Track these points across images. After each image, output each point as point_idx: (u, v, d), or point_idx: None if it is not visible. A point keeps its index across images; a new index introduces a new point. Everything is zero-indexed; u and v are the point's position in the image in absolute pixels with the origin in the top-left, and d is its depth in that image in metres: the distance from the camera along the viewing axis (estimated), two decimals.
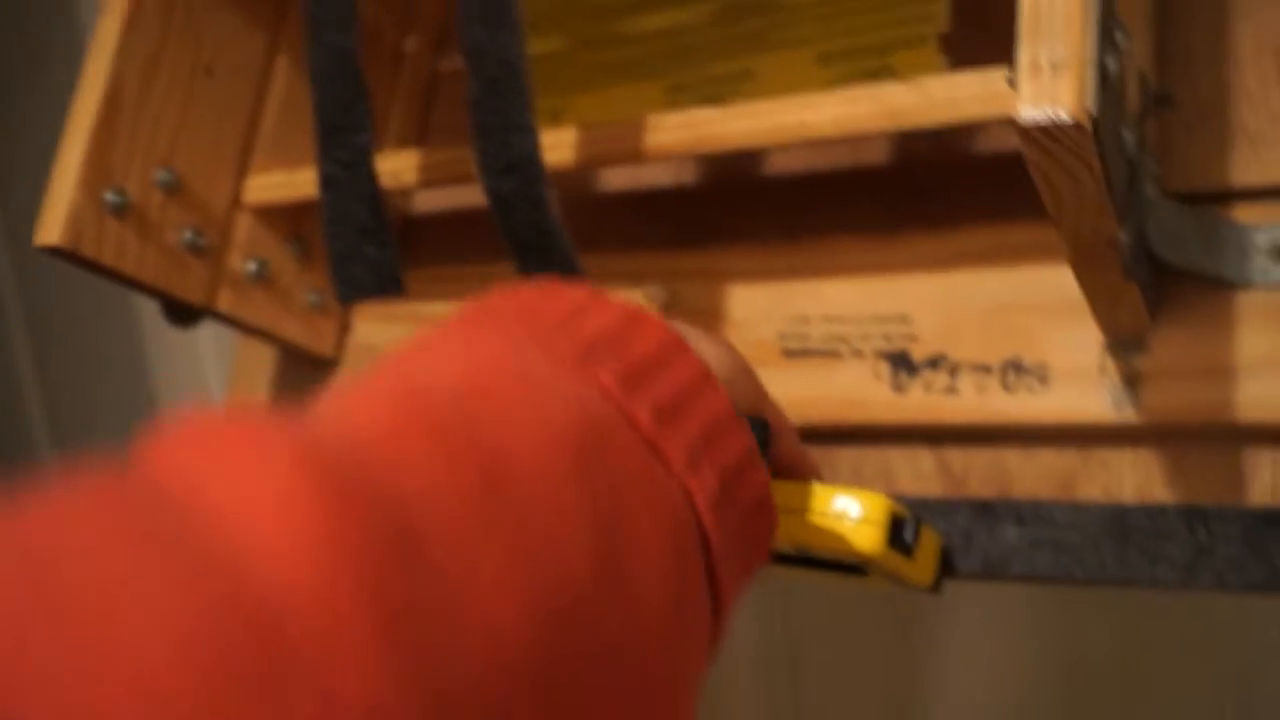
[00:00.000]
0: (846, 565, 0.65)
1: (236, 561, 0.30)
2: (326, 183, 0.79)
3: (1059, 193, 0.54)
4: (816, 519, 0.63)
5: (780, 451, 0.64)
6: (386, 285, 0.80)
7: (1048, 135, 0.50)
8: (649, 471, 0.47)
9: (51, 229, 0.80)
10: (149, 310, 1.52)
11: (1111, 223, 0.56)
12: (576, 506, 0.41)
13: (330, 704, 0.29)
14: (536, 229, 0.73)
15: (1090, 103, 0.49)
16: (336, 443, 0.37)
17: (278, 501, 0.33)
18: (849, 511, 0.63)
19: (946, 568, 0.73)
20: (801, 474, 0.66)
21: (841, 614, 2.45)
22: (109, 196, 0.83)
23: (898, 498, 0.67)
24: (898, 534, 0.64)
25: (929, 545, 0.69)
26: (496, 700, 0.35)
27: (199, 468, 0.35)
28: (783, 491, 0.62)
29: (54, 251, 0.81)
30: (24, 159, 1.92)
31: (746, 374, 0.62)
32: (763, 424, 0.59)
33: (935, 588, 0.72)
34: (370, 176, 0.78)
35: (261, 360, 1.09)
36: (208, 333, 1.45)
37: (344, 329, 1.04)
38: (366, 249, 0.79)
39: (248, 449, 0.35)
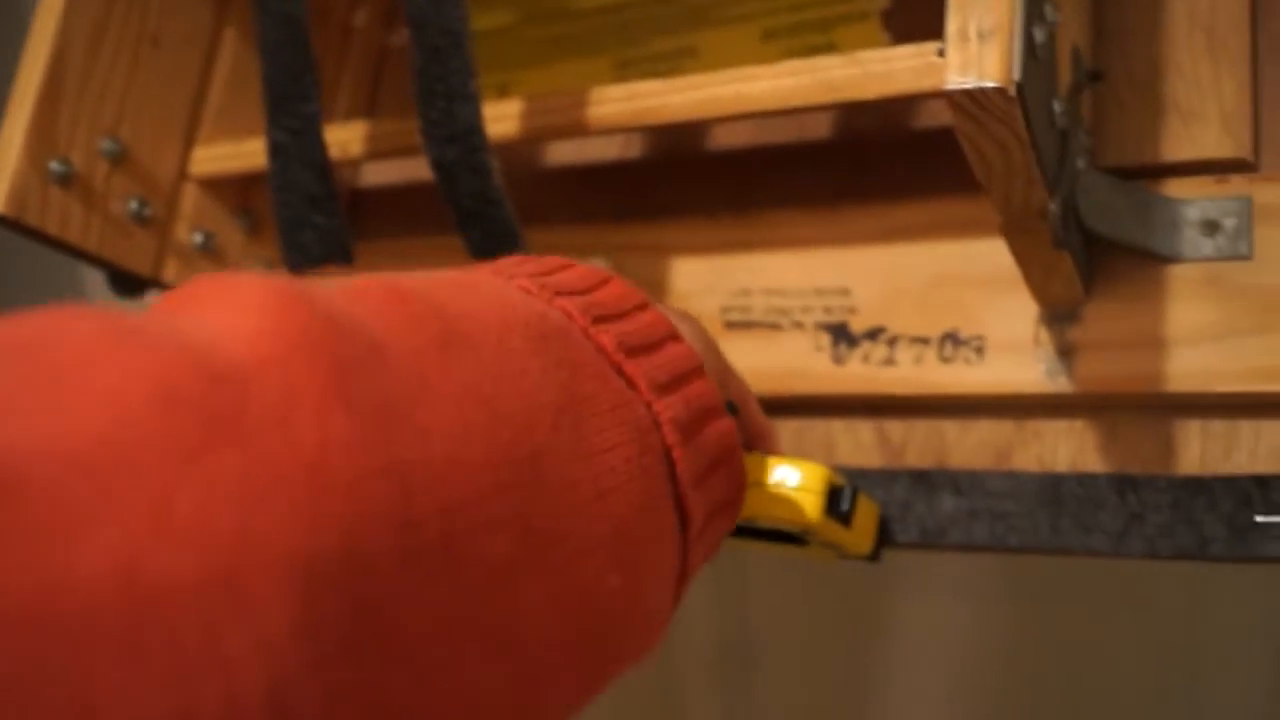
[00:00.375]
0: (787, 535, 0.67)
1: (209, 341, 0.32)
2: (275, 151, 0.79)
3: (988, 162, 0.55)
4: (754, 488, 0.64)
5: (742, 424, 0.64)
6: (335, 254, 0.81)
7: (975, 103, 0.51)
8: (613, 383, 0.48)
9: None
10: (93, 281, 1.52)
11: (1041, 193, 0.57)
12: (538, 372, 0.43)
13: (294, 448, 0.31)
14: (479, 197, 0.74)
15: (1016, 71, 0.50)
16: (308, 289, 0.38)
17: (247, 307, 0.35)
18: (787, 480, 0.64)
19: (885, 537, 0.75)
20: (762, 447, 0.67)
21: (797, 603, 2.46)
22: (54, 166, 0.82)
23: (837, 468, 0.69)
24: (834, 503, 0.65)
25: (866, 515, 0.70)
26: (457, 505, 0.36)
27: (180, 298, 0.37)
28: None
29: None
30: None
31: (712, 349, 0.62)
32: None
33: (874, 556, 0.73)
34: (319, 145, 0.79)
35: None
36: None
37: None
38: (315, 217, 0.79)
39: (225, 284, 0.37)
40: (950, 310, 0.76)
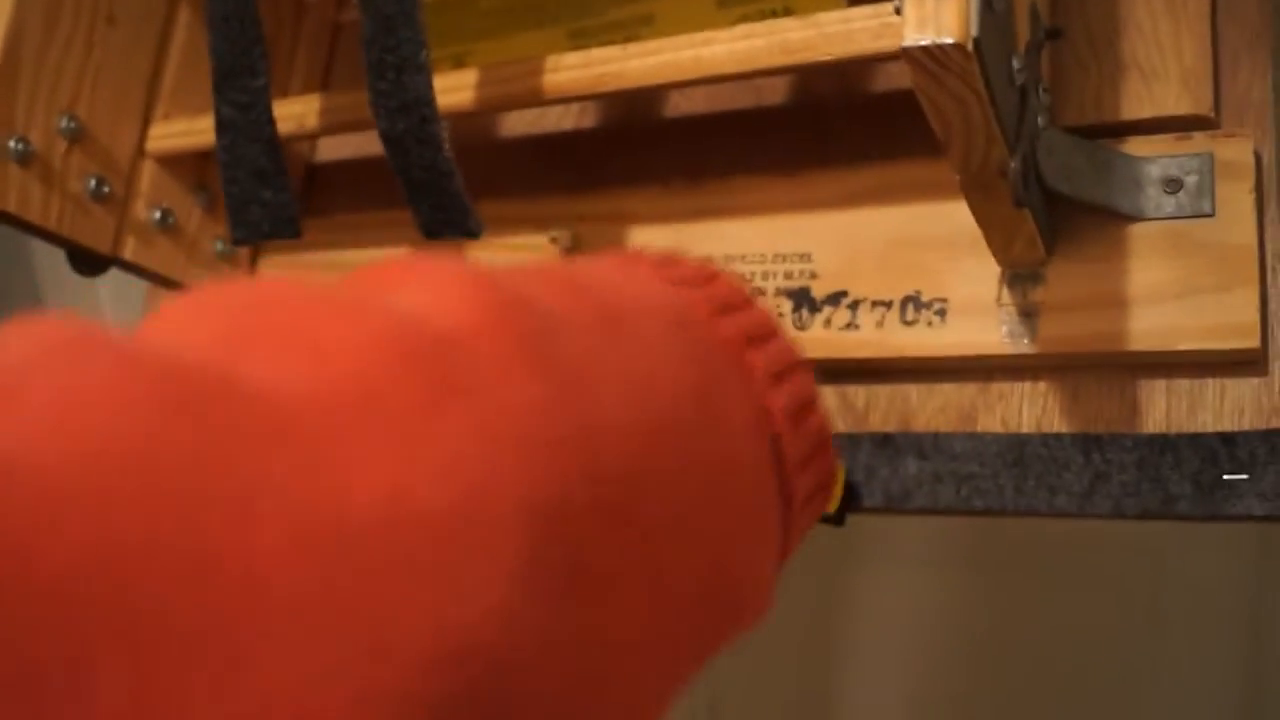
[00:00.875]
0: None
1: (418, 312, 0.36)
2: (223, 126, 0.79)
3: (947, 120, 0.55)
4: None
5: None
6: (281, 228, 0.80)
7: (933, 59, 0.51)
8: (735, 371, 0.50)
9: None
10: (46, 261, 1.51)
11: (1001, 150, 0.57)
12: (679, 356, 0.46)
13: (508, 407, 0.35)
14: (430, 169, 0.73)
15: (974, 26, 0.50)
16: (489, 271, 0.41)
17: (443, 286, 0.38)
18: None
19: (851, 501, 0.76)
20: None
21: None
22: (12, 144, 0.82)
23: None
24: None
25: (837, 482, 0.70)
26: (626, 468, 0.39)
27: (372, 279, 0.41)
28: None
29: None
30: None
31: None
32: None
33: (838, 520, 0.73)
34: (267, 119, 0.78)
35: None
36: (108, 286, 1.44)
37: (253, 277, 1.03)
38: (263, 192, 0.79)
39: (417, 267, 0.40)
40: (912, 273, 0.75)
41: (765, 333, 0.54)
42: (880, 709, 2.40)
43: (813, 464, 0.56)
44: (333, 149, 1.04)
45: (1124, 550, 1.84)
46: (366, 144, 1.02)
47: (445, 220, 0.75)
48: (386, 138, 0.73)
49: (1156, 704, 2.07)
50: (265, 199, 0.79)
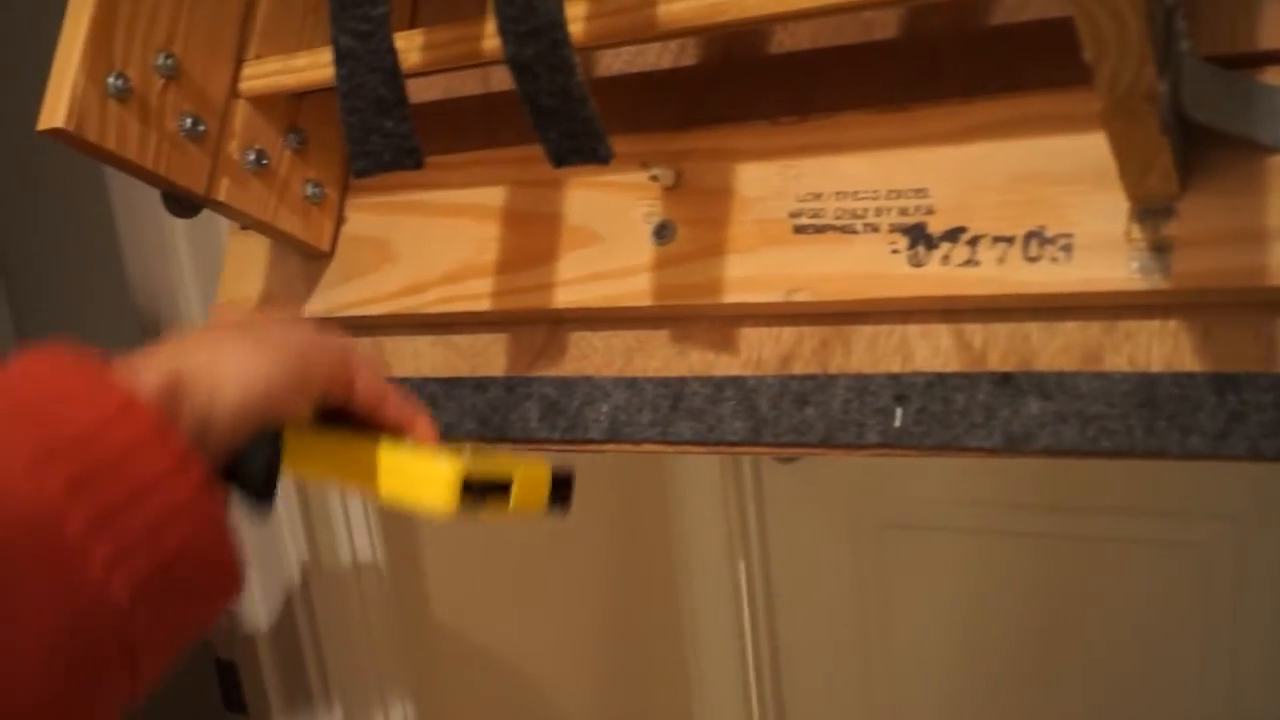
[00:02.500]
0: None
1: None
2: (341, 55, 0.77)
3: (1102, 35, 0.53)
4: (389, 477, 0.76)
5: (359, 408, 0.77)
6: (403, 158, 0.79)
7: None
8: (64, 573, 0.53)
9: (55, 112, 0.79)
10: (124, 209, 1.51)
11: (1150, 72, 0.55)
12: None
13: None
14: (561, 95, 0.72)
15: None
16: None
17: None
18: (419, 473, 0.74)
19: (565, 493, 0.80)
20: (412, 435, 0.78)
21: (813, 558, 2.47)
22: (111, 80, 0.81)
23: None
24: (470, 494, 0.73)
25: (531, 488, 0.77)
26: None
27: None
28: (354, 445, 0.77)
29: (57, 135, 0.79)
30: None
31: (298, 379, 0.71)
32: (270, 455, 0.69)
33: (554, 513, 0.80)
34: (388, 48, 0.77)
35: (252, 256, 1.07)
36: (183, 233, 1.44)
37: (339, 221, 1.02)
38: (384, 122, 0.78)
39: None
40: (1035, 208, 0.73)
41: (125, 496, 0.56)
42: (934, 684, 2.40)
43: (179, 609, 0.59)
44: (420, 90, 1.03)
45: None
46: (456, 84, 1.01)
47: (575, 148, 0.73)
48: (515, 63, 0.71)
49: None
50: (386, 129, 0.78)
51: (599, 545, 2.28)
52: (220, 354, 0.67)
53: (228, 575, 0.62)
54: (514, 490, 0.76)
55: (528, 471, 0.77)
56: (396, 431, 0.78)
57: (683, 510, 2.58)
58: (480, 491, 0.74)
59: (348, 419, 0.79)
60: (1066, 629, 2.28)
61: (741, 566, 2.60)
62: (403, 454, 0.76)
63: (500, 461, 0.76)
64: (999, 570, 2.33)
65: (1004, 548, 2.31)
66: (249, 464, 0.68)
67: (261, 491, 0.70)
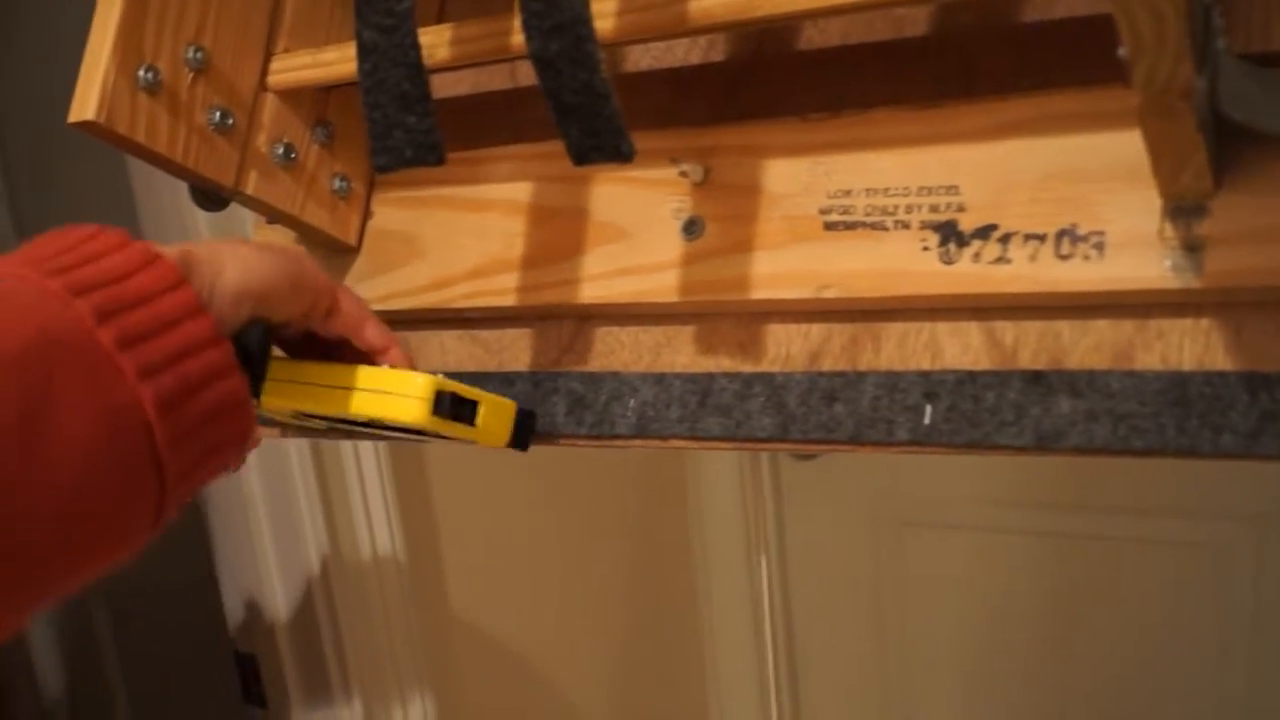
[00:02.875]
0: (421, 432, 0.84)
1: None
2: (365, 50, 0.77)
3: (1140, 31, 0.53)
4: (366, 396, 0.82)
5: (339, 329, 0.85)
6: (424, 154, 0.79)
7: None
8: (98, 378, 0.61)
9: (86, 105, 0.79)
10: (147, 203, 1.51)
11: (1188, 69, 0.55)
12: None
13: None
14: (584, 91, 0.71)
15: None
16: None
17: None
18: (395, 388, 0.82)
19: (527, 430, 0.90)
20: (383, 360, 0.87)
21: (830, 550, 2.47)
22: (141, 73, 0.82)
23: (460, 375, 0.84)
24: (439, 407, 0.81)
25: (497, 415, 0.87)
26: None
27: None
28: (333, 371, 0.84)
29: (88, 127, 0.80)
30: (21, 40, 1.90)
31: (293, 282, 0.79)
32: (263, 331, 0.76)
33: (516, 447, 0.89)
34: (412, 43, 0.77)
35: None
36: (206, 228, 1.44)
37: (366, 216, 1.02)
38: (406, 118, 0.77)
39: None
40: (1066, 206, 0.73)
41: (163, 324, 0.65)
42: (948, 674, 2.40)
43: (204, 431, 0.67)
44: (447, 85, 1.03)
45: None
46: (484, 79, 1.01)
47: (596, 145, 0.73)
48: (538, 59, 0.71)
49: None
50: (409, 124, 0.77)
51: (618, 541, 2.28)
52: (224, 249, 0.75)
53: (242, 415, 0.70)
54: (481, 411, 0.84)
55: (495, 404, 0.86)
56: (373, 357, 0.87)
57: (701, 507, 2.58)
58: (451, 407, 0.82)
59: (325, 353, 0.88)
60: (1084, 628, 2.28)
61: (760, 563, 2.60)
62: (380, 373, 0.83)
63: (472, 389, 0.84)
64: (1017, 569, 2.33)
65: (1022, 547, 2.31)
66: (240, 346, 0.73)
67: (251, 374, 0.74)
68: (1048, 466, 2.20)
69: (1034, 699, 2.37)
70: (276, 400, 0.86)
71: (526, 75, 0.97)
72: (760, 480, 2.56)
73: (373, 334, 0.86)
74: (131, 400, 0.62)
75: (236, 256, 0.75)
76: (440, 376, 0.82)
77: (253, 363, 0.74)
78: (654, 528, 2.48)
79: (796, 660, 2.68)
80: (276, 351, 0.89)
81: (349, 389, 0.83)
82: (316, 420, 0.93)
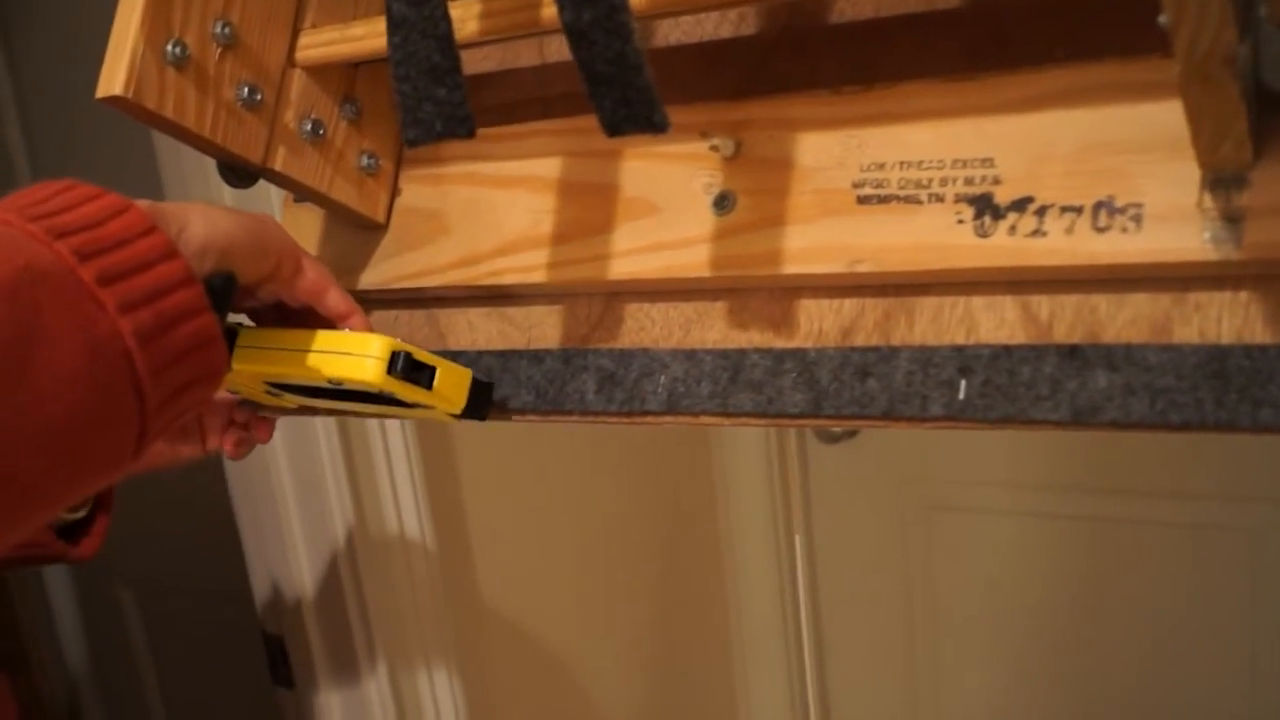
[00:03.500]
0: (385, 399, 0.88)
1: None
2: (395, 22, 0.77)
3: None
4: (335, 357, 0.84)
5: (302, 294, 0.89)
6: (455, 126, 0.78)
7: None
8: (81, 311, 0.64)
9: (114, 80, 0.79)
10: (174, 183, 1.51)
11: (1231, 34, 0.54)
12: None
13: None
14: (617, 61, 0.71)
15: None
16: None
17: None
18: (354, 349, 0.84)
19: (484, 400, 0.92)
20: (343, 325, 0.91)
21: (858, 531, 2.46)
22: (169, 48, 0.81)
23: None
24: (394, 367, 0.84)
25: (451, 381, 0.88)
26: None
27: None
28: (296, 336, 0.87)
29: (116, 102, 0.79)
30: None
31: (256, 241, 0.83)
32: (226, 278, 0.78)
33: (473, 416, 0.91)
34: (442, 15, 0.76)
35: (306, 230, 1.07)
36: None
37: (394, 193, 1.02)
38: (436, 90, 0.77)
39: None
40: (1104, 177, 0.72)
41: (139, 265, 0.68)
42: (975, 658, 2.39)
43: (181, 364, 0.70)
44: (475, 62, 1.02)
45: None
46: (511, 55, 1.00)
47: (629, 115, 0.72)
48: (571, 29, 0.71)
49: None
50: (439, 97, 0.77)
51: (646, 525, 2.28)
52: (192, 207, 0.79)
53: (216, 350, 0.74)
54: (437, 375, 0.87)
55: (451, 370, 0.88)
56: (336, 323, 0.90)
57: (729, 491, 2.58)
58: (407, 370, 0.84)
59: (287, 319, 0.92)
60: (1115, 613, 2.27)
61: (788, 548, 2.60)
62: (339, 336, 0.86)
63: (430, 355, 0.87)
64: (1047, 553, 2.32)
65: (1052, 531, 2.30)
66: (207, 291, 0.75)
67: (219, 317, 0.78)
68: (1078, 449, 2.20)
69: (1065, 684, 2.36)
70: (244, 365, 0.88)
71: (555, 51, 0.97)
72: (788, 464, 2.55)
73: (335, 300, 0.90)
74: (113, 331, 0.66)
75: (202, 213, 0.79)
76: (396, 340, 0.85)
77: (219, 307, 0.76)
78: (682, 510, 2.47)
79: (824, 645, 2.67)
80: (245, 321, 0.94)
81: (309, 351, 0.86)
82: (286, 395, 0.96)
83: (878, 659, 2.59)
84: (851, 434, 2.43)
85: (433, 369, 0.86)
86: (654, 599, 2.34)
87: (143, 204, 0.73)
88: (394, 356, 0.84)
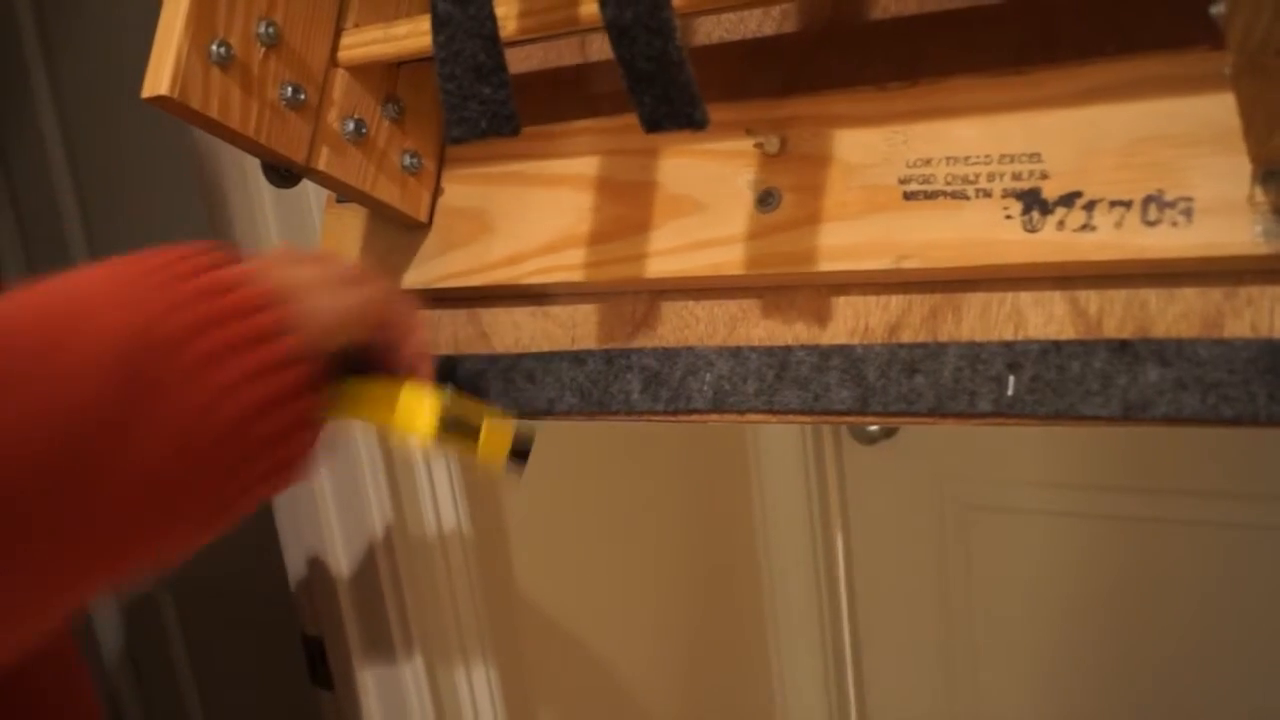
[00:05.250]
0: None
1: None
2: (440, 21, 0.77)
3: None
4: (388, 408, 0.87)
5: (389, 341, 0.87)
6: (500, 124, 0.78)
7: None
8: (186, 386, 0.65)
9: (159, 80, 0.79)
10: (211, 185, 1.51)
11: None
12: (100, 390, 0.61)
13: None
14: (659, 59, 0.71)
15: None
16: None
17: None
18: (408, 405, 0.86)
19: (523, 455, 0.91)
20: (416, 375, 0.88)
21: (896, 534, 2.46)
22: (214, 48, 0.81)
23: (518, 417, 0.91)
24: (446, 427, 0.86)
25: (497, 434, 0.89)
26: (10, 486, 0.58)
27: None
28: (367, 385, 0.87)
29: (161, 102, 0.79)
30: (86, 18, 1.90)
31: (374, 314, 0.84)
32: (342, 358, 0.81)
33: (514, 469, 0.91)
34: (488, 14, 0.76)
35: (348, 230, 1.07)
36: (271, 209, 1.43)
37: (436, 193, 1.02)
38: (482, 89, 0.77)
39: None
40: (1153, 171, 0.72)
41: (235, 346, 0.68)
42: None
43: (271, 449, 0.71)
44: (517, 61, 1.02)
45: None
46: (553, 55, 1.00)
47: (669, 112, 0.72)
48: (613, 26, 0.70)
49: None
50: (484, 95, 0.77)
51: (683, 525, 2.28)
52: (316, 277, 0.79)
53: (312, 433, 0.76)
54: (481, 436, 0.88)
55: (495, 426, 0.89)
56: (405, 370, 0.88)
57: (765, 492, 2.57)
58: (455, 429, 0.87)
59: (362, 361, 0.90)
60: (1154, 614, 2.26)
61: (824, 549, 2.59)
62: (404, 392, 0.87)
63: (477, 410, 0.89)
64: (1086, 554, 2.31)
65: (1089, 530, 2.29)
66: (320, 370, 0.77)
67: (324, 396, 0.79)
68: (1115, 448, 2.18)
69: (1103, 685, 2.35)
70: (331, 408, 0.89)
71: (598, 50, 0.97)
72: (825, 465, 2.55)
73: (409, 352, 0.89)
74: (212, 407, 0.66)
75: (326, 286, 0.79)
76: (448, 397, 0.87)
77: (328, 388, 0.78)
78: (718, 509, 2.47)
79: (861, 645, 2.67)
80: None
81: (376, 403, 0.87)
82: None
83: (914, 660, 2.59)
84: (888, 434, 2.42)
85: (478, 428, 0.88)
86: (691, 598, 2.34)
87: (266, 271, 0.75)
88: (442, 421, 0.86)
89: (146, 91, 0.79)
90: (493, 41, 0.76)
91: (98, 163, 2.05)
